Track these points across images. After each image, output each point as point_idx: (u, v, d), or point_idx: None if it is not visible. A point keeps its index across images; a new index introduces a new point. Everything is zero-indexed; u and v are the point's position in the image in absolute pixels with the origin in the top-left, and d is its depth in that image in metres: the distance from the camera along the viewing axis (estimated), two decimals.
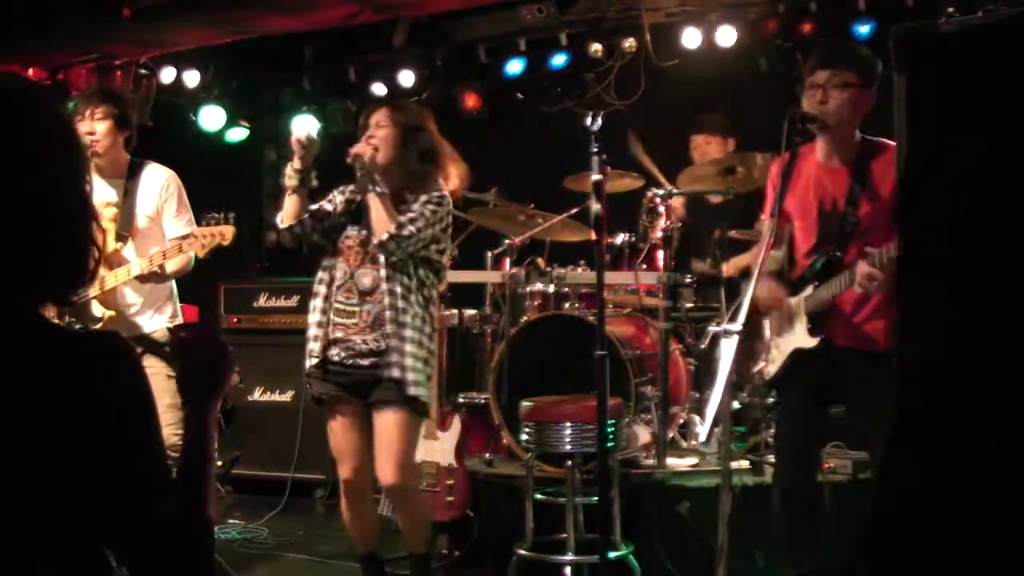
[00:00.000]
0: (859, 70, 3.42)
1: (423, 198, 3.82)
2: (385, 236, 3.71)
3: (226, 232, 4.04)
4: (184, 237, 4.07)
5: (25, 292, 1.49)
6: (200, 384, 1.71)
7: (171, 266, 4.16)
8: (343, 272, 3.87)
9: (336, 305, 3.85)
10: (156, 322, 4.28)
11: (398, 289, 3.78)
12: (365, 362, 3.81)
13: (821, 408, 3.62)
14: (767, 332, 3.69)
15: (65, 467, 1.43)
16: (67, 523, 1.45)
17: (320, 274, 3.92)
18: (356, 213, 3.93)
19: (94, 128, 4.15)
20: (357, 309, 3.83)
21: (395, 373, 3.74)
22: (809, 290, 3.48)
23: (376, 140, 3.84)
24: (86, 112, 4.17)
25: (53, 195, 1.51)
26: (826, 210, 3.49)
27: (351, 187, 3.97)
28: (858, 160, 3.46)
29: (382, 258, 3.78)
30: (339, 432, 3.93)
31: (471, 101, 6.91)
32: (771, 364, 3.62)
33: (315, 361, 3.87)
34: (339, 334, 3.84)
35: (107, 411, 1.45)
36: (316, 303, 3.90)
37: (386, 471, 3.81)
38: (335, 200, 4.00)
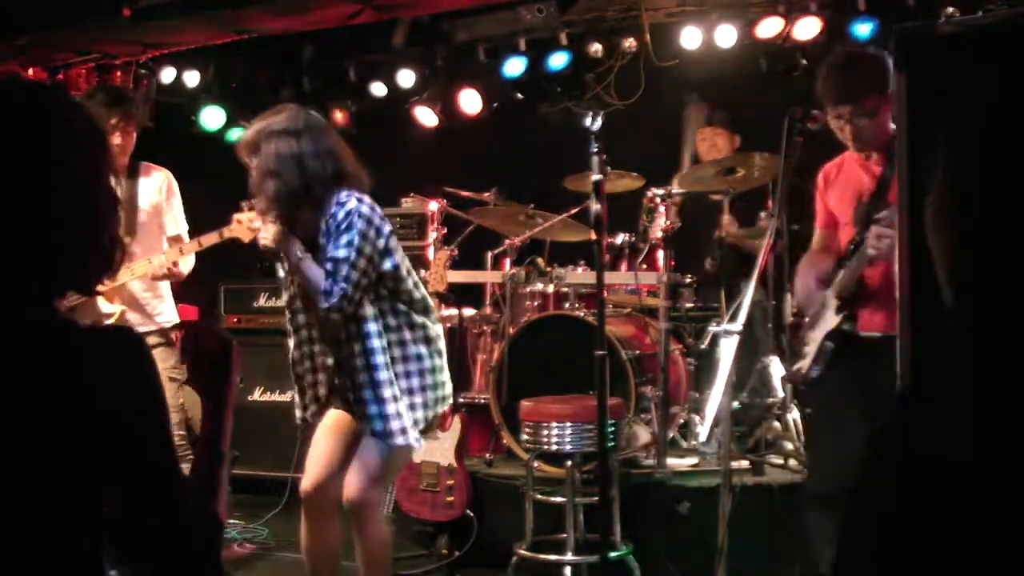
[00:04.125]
0: (871, 89, 3.39)
1: (332, 227, 3.29)
2: (321, 313, 3.32)
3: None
4: (224, 232, 4.05)
5: (48, 283, 1.51)
6: (211, 381, 1.73)
7: (186, 265, 4.23)
8: (313, 321, 3.51)
9: (320, 358, 3.50)
10: (168, 311, 4.36)
11: (352, 332, 3.34)
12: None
13: (859, 399, 3.42)
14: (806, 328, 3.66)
15: (73, 461, 1.43)
16: (72, 517, 1.45)
17: (294, 318, 3.56)
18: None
19: (126, 143, 4.35)
20: (329, 360, 3.47)
21: (377, 427, 3.34)
22: (840, 275, 3.49)
23: (254, 188, 3.38)
24: (117, 123, 4.25)
25: (79, 188, 1.52)
26: (862, 202, 3.51)
27: None
28: (892, 151, 3.47)
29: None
30: (319, 436, 3.55)
31: (471, 102, 6.91)
32: (805, 358, 3.55)
33: (314, 409, 3.55)
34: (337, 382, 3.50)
35: (118, 406, 1.46)
36: (303, 351, 3.53)
37: (350, 483, 3.42)
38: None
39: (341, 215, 3.28)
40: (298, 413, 3.59)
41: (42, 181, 1.48)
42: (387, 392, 3.33)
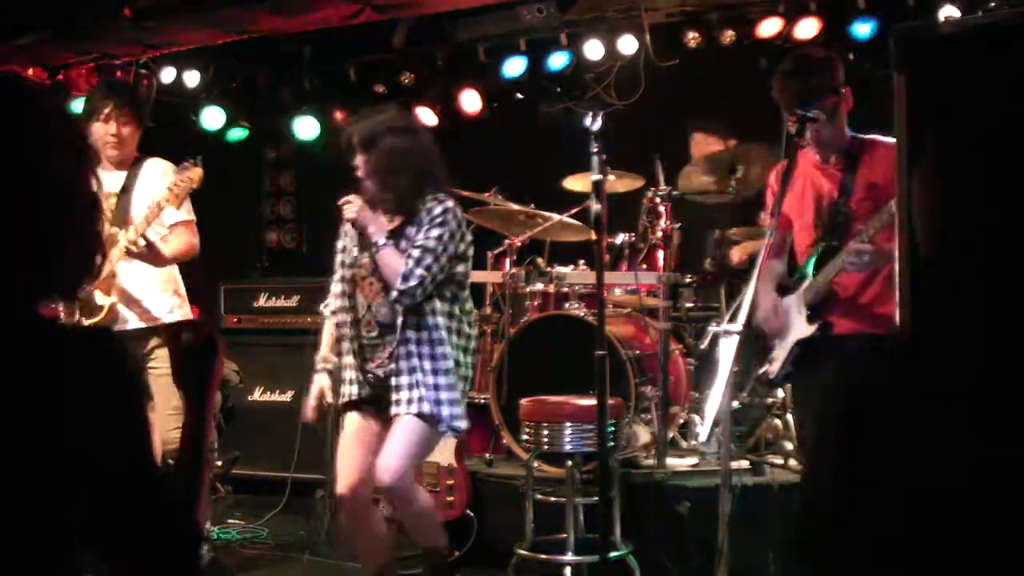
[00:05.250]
0: (828, 91, 3.42)
1: (426, 219, 3.56)
2: (394, 294, 3.53)
3: (194, 175, 4.07)
4: (161, 203, 4.09)
5: (28, 290, 1.50)
6: (192, 378, 1.70)
7: (169, 246, 4.20)
8: (361, 304, 3.68)
9: (362, 340, 3.68)
10: (166, 308, 4.32)
11: (418, 320, 3.59)
12: (390, 391, 3.61)
13: (830, 399, 3.53)
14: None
15: (43, 465, 1.42)
16: (45, 521, 1.44)
17: (343, 315, 3.73)
18: (363, 238, 3.70)
19: (121, 132, 4.26)
20: (379, 343, 3.65)
21: (425, 408, 3.55)
22: (807, 283, 3.50)
23: (361, 173, 3.62)
24: (111, 114, 4.24)
25: (58, 194, 1.51)
26: (822, 205, 3.52)
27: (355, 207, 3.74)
28: (850, 155, 3.50)
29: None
30: (345, 443, 3.73)
31: (471, 102, 6.91)
32: (774, 362, 3.61)
33: (352, 399, 3.70)
34: (369, 366, 3.68)
35: (89, 410, 1.44)
36: (346, 336, 3.71)
37: (380, 470, 3.58)
38: (344, 247, 3.79)
39: (438, 210, 3.55)
40: (329, 397, 3.74)
41: (16, 185, 1.46)
42: (444, 380, 3.57)
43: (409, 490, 3.67)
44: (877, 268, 3.42)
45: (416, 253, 3.51)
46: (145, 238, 4.08)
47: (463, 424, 3.64)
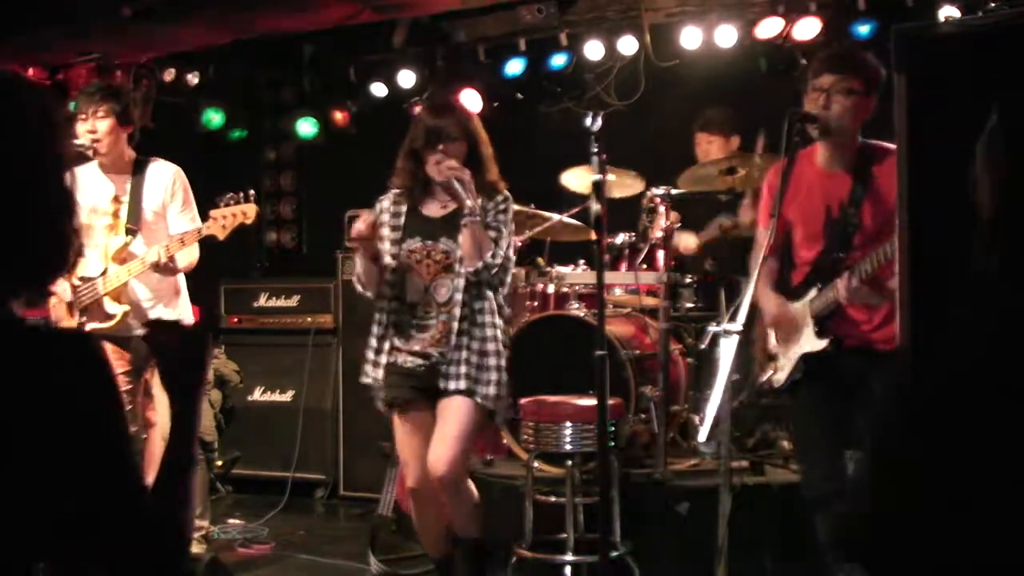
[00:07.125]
0: (865, 77, 3.40)
1: (491, 207, 3.76)
2: (480, 265, 3.67)
3: (248, 211, 4.03)
4: (202, 230, 4.08)
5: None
6: (181, 380, 1.66)
7: (183, 259, 4.18)
8: (416, 286, 3.77)
9: (414, 321, 3.76)
10: (175, 314, 4.31)
11: (472, 300, 3.73)
12: (439, 370, 3.72)
13: (840, 404, 3.48)
14: (771, 340, 3.65)
15: (25, 465, 1.40)
16: (25, 522, 1.42)
17: (384, 301, 3.81)
18: (414, 225, 3.82)
19: (96, 127, 4.20)
20: (434, 321, 3.75)
21: (462, 385, 3.68)
22: (813, 293, 3.47)
23: (453, 155, 3.75)
24: (88, 111, 4.20)
25: (26, 185, 1.47)
26: (833, 216, 3.47)
27: (387, 202, 3.87)
28: (859, 164, 3.46)
29: (458, 267, 3.72)
30: (406, 438, 3.85)
31: (471, 102, 6.91)
32: (779, 372, 3.58)
33: (379, 374, 3.80)
34: (416, 347, 3.75)
35: (65, 411, 1.41)
36: (382, 318, 3.80)
37: (438, 459, 3.69)
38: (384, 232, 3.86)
39: (500, 198, 3.80)
40: (370, 372, 3.82)
41: None
42: (493, 361, 3.74)
43: (464, 480, 3.83)
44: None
45: (492, 234, 3.72)
46: (172, 258, 4.05)
47: (501, 406, 3.78)
